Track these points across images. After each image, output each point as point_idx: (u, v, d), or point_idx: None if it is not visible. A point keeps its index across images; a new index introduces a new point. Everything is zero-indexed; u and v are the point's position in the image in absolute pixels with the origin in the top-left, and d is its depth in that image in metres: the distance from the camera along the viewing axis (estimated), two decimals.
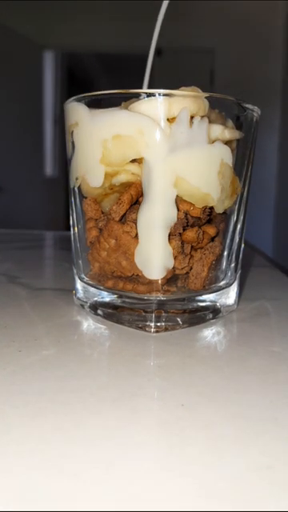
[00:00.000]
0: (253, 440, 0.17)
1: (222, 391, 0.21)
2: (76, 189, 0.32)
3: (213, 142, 0.28)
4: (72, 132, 0.31)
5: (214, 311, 0.32)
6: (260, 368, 0.24)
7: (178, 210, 0.28)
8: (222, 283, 0.33)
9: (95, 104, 0.29)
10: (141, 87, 0.27)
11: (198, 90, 0.29)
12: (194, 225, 0.29)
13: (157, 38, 0.30)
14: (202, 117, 0.27)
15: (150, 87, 0.27)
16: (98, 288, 0.32)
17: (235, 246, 0.33)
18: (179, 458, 0.16)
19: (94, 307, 0.32)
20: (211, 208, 0.29)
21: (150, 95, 0.27)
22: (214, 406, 0.20)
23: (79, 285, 0.34)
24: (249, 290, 0.41)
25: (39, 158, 2.79)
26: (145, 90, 0.27)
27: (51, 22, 2.59)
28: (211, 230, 0.30)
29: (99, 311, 0.31)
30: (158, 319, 0.29)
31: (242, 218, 0.33)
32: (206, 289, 0.31)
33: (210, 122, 0.28)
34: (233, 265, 0.33)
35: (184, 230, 0.28)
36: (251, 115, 0.31)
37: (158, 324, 0.29)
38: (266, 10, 2.45)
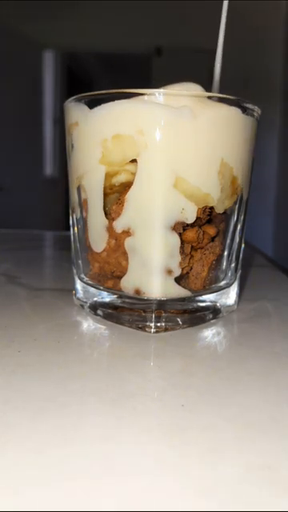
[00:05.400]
0: (253, 440, 0.17)
1: (222, 392, 0.21)
2: (76, 189, 0.32)
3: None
4: (72, 132, 0.31)
5: (214, 311, 0.32)
6: (260, 369, 0.24)
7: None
8: (222, 283, 0.33)
9: (95, 104, 0.29)
10: (140, 87, 0.27)
11: (199, 88, 0.29)
12: (194, 225, 0.29)
13: (223, 37, 0.30)
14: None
15: (149, 87, 0.27)
16: (97, 288, 0.32)
17: (235, 246, 0.33)
18: (179, 459, 0.16)
19: (94, 307, 0.32)
20: (211, 208, 0.29)
21: (150, 95, 0.27)
22: (214, 406, 0.20)
23: (79, 285, 0.34)
24: (249, 290, 0.41)
25: (39, 158, 2.79)
26: (144, 89, 0.27)
27: (51, 22, 2.58)
28: (211, 230, 0.30)
29: (99, 311, 0.31)
30: (158, 319, 0.29)
31: (242, 218, 0.33)
32: (206, 289, 0.31)
33: None
34: (233, 265, 0.33)
35: (184, 230, 0.28)
36: (251, 115, 0.31)
37: (158, 324, 0.29)
38: (266, 10, 2.45)
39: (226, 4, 0.30)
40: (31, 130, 2.65)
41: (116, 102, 0.27)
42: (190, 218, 0.28)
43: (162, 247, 0.28)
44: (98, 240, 0.30)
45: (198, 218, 0.29)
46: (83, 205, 0.32)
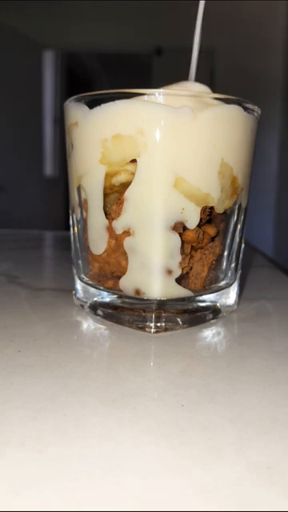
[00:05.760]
0: (253, 440, 0.17)
1: (222, 391, 0.21)
2: (76, 189, 0.32)
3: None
4: (72, 132, 0.31)
5: (214, 311, 0.32)
6: (260, 368, 0.24)
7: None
8: (222, 283, 0.33)
9: (95, 104, 0.29)
10: (140, 87, 0.27)
11: (203, 88, 0.29)
12: None
13: (199, 37, 0.30)
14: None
15: (149, 87, 0.27)
16: (97, 288, 0.32)
17: (235, 246, 0.33)
18: (179, 459, 0.16)
19: (94, 307, 0.32)
20: (211, 208, 0.29)
21: (150, 95, 0.27)
22: (214, 406, 0.20)
23: (79, 285, 0.34)
24: (249, 290, 0.41)
25: (39, 158, 2.79)
26: (145, 89, 0.27)
27: (51, 22, 2.59)
28: (211, 230, 0.30)
29: (99, 311, 0.31)
30: (157, 319, 0.29)
31: (242, 218, 0.33)
32: (206, 289, 0.31)
33: None
34: (233, 265, 0.33)
35: (184, 230, 0.28)
36: (251, 115, 0.31)
37: (158, 324, 0.29)
38: (266, 10, 2.45)
39: (202, 4, 0.30)
40: (31, 130, 2.65)
41: (116, 101, 0.27)
42: (192, 220, 0.28)
43: (162, 247, 0.28)
44: (98, 240, 0.30)
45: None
46: (83, 205, 0.32)
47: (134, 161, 0.28)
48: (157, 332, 0.29)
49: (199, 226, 0.29)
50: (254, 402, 0.20)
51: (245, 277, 0.45)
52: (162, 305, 0.29)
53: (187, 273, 0.30)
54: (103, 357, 0.25)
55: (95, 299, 0.32)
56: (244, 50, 2.46)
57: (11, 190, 2.40)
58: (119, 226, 0.29)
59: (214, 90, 0.31)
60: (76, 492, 0.14)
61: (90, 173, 0.30)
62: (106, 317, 0.31)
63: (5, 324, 0.30)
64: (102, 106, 0.28)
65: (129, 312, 0.30)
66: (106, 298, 0.31)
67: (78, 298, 0.34)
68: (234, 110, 0.29)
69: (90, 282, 0.32)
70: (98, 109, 0.28)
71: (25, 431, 0.17)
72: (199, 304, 0.31)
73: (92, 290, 0.32)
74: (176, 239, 0.28)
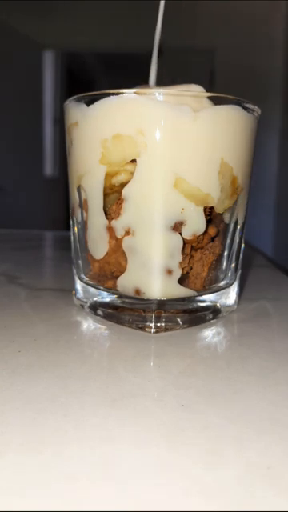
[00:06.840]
0: (253, 440, 0.17)
1: (222, 392, 0.21)
2: (76, 189, 0.32)
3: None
4: (72, 132, 0.31)
5: (214, 311, 0.32)
6: (260, 368, 0.24)
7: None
8: (222, 283, 0.33)
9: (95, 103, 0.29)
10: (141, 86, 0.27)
11: (199, 88, 0.29)
12: None
13: (159, 38, 0.30)
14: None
15: (148, 87, 0.27)
16: (97, 288, 0.32)
17: (235, 246, 0.33)
18: (179, 459, 0.16)
19: (94, 307, 0.32)
20: (211, 208, 0.29)
21: (150, 94, 0.27)
22: (214, 406, 0.20)
23: (79, 285, 0.34)
24: (249, 290, 0.41)
25: (39, 158, 2.79)
26: (145, 89, 0.27)
27: (51, 22, 2.58)
28: (211, 230, 0.30)
29: (99, 311, 0.31)
30: (157, 319, 0.29)
31: (242, 218, 0.33)
32: (206, 289, 0.31)
33: None
34: (233, 265, 0.33)
35: None
36: (251, 115, 0.31)
37: (158, 324, 0.29)
38: (266, 10, 2.45)
39: (162, 4, 0.30)
40: (31, 130, 2.65)
41: (116, 101, 0.27)
42: (192, 221, 0.28)
43: (162, 247, 0.28)
44: (98, 240, 0.30)
45: None
46: (83, 205, 0.32)
47: (134, 161, 0.28)
48: (157, 332, 0.29)
49: (205, 231, 0.29)
50: (253, 403, 0.20)
51: (245, 277, 0.45)
52: (162, 305, 0.29)
53: (187, 273, 0.30)
54: (103, 357, 0.25)
55: (95, 299, 0.32)
56: (244, 50, 2.45)
57: (11, 190, 2.40)
58: (119, 225, 0.29)
59: (213, 90, 0.31)
60: (76, 492, 0.14)
61: (90, 173, 0.30)
62: (106, 317, 0.31)
63: (5, 324, 0.30)
64: (102, 105, 0.28)
65: (129, 312, 0.30)
66: (106, 297, 0.31)
67: (78, 298, 0.34)
68: (234, 109, 0.29)
69: (89, 282, 0.32)
70: (98, 109, 0.28)
71: (25, 432, 0.17)
72: (199, 304, 0.31)
73: (92, 289, 0.32)
74: (176, 239, 0.28)
